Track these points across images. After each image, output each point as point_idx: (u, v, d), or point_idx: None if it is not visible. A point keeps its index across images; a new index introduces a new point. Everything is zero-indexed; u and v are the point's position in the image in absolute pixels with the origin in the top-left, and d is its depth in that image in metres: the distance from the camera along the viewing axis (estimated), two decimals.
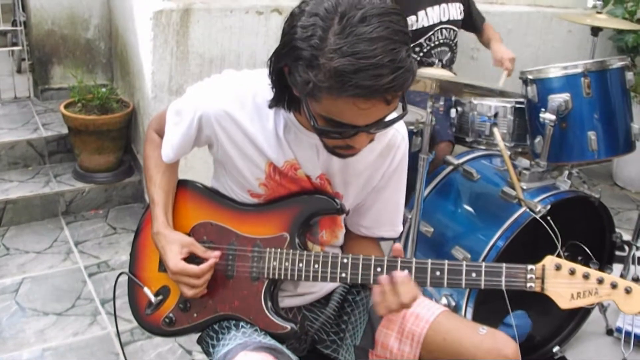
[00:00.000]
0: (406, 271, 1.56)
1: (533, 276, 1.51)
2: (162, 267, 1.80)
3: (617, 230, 2.94)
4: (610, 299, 1.47)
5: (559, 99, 2.74)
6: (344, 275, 1.62)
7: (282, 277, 1.69)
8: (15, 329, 2.98)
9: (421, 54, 3.59)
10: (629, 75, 2.85)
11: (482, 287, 1.54)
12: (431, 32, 3.61)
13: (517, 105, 3.01)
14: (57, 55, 4.76)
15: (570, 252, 2.74)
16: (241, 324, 1.73)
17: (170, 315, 1.80)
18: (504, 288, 1.52)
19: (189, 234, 1.81)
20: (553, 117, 2.71)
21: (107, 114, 4.00)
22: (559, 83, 2.79)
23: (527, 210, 2.63)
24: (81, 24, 4.74)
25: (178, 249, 1.73)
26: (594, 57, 3.56)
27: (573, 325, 3.01)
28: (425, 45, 3.60)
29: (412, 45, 1.32)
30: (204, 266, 1.70)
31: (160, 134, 1.85)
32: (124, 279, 1.91)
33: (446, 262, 1.55)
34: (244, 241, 1.74)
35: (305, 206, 1.72)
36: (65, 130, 4.19)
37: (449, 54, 3.71)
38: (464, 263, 1.55)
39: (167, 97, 3.62)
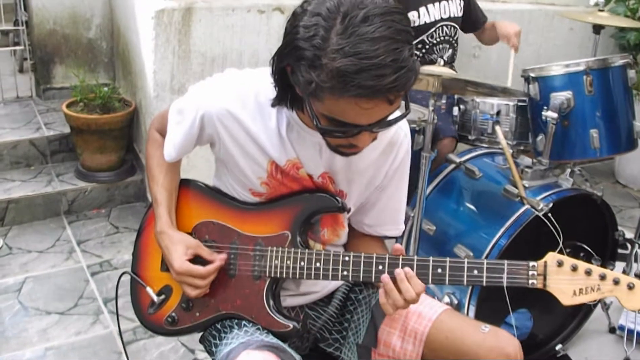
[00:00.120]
0: (407, 268, 1.56)
1: (535, 273, 1.51)
2: (165, 266, 1.80)
3: (619, 228, 2.94)
4: (612, 295, 1.47)
5: (561, 96, 2.74)
6: (345, 273, 1.62)
7: (284, 275, 1.69)
8: (18, 328, 2.99)
9: (423, 51, 3.58)
10: (631, 73, 2.85)
11: (484, 284, 1.54)
12: (432, 29, 3.61)
13: (520, 104, 3.01)
14: (59, 55, 4.76)
15: (573, 250, 2.74)
16: (243, 322, 1.73)
17: (173, 314, 1.80)
18: (505, 285, 1.52)
19: (191, 233, 1.81)
20: (555, 115, 2.71)
21: (109, 113, 4.00)
22: (561, 81, 2.79)
23: (530, 208, 2.63)
24: (83, 23, 4.74)
25: (183, 249, 1.72)
26: (596, 55, 3.56)
27: (575, 323, 3.00)
28: (427, 42, 3.60)
29: (414, 42, 1.31)
30: (209, 267, 1.70)
31: (163, 133, 1.85)
32: (126, 278, 1.92)
33: (448, 259, 1.56)
34: (246, 240, 1.74)
35: (307, 204, 1.72)
36: (67, 130, 4.19)
37: (450, 50, 3.71)
38: (466, 260, 1.55)
39: (169, 96, 3.62)
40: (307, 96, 1.42)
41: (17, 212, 3.85)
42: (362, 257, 1.61)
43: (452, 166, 3.01)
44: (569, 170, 2.93)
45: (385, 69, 1.29)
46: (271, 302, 1.71)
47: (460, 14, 3.72)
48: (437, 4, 3.60)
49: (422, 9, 3.57)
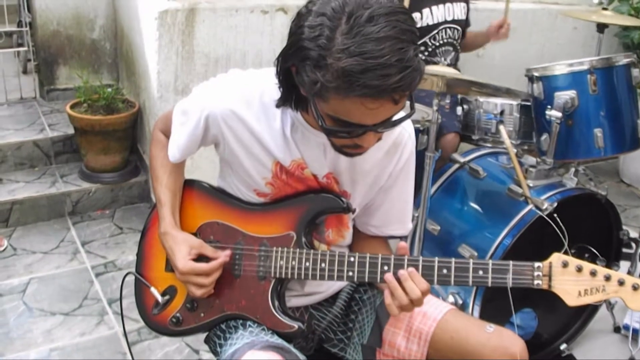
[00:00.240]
0: (411, 267, 1.56)
1: (540, 273, 1.50)
2: (169, 267, 1.80)
3: (624, 227, 2.93)
4: (617, 296, 1.47)
5: (565, 96, 2.74)
6: (351, 273, 1.62)
7: (289, 276, 1.69)
8: (23, 329, 2.99)
9: (426, 53, 3.58)
10: (635, 72, 2.84)
11: (489, 284, 1.53)
12: (435, 31, 3.61)
13: (523, 103, 3.01)
14: (63, 56, 4.77)
15: (577, 250, 2.73)
16: (248, 323, 1.73)
17: (177, 315, 1.81)
18: (510, 285, 1.52)
19: (195, 234, 1.81)
20: (559, 114, 2.70)
21: (112, 114, 4.01)
22: (565, 80, 2.79)
23: (534, 208, 2.63)
24: (86, 24, 4.75)
25: (187, 249, 1.72)
26: (600, 54, 3.55)
27: (580, 322, 3.00)
28: (430, 44, 3.59)
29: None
30: (213, 263, 1.70)
31: (167, 134, 1.85)
32: (130, 278, 1.92)
33: (453, 260, 1.55)
34: (251, 240, 1.74)
35: (312, 205, 1.72)
36: (71, 131, 4.20)
37: (453, 53, 3.71)
38: (471, 261, 1.54)
39: (173, 97, 3.62)
40: (312, 96, 1.42)
41: (21, 213, 3.86)
42: (368, 258, 1.61)
43: (456, 166, 3.01)
44: (573, 169, 2.92)
45: (390, 68, 1.29)
46: (276, 303, 1.71)
47: (464, 17, 3.73)
48: (441, 5, 3.60)
49: (426, 11, 3.57)
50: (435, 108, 2.57)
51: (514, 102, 3.03)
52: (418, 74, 1.35)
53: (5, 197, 3.83)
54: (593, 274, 1.47)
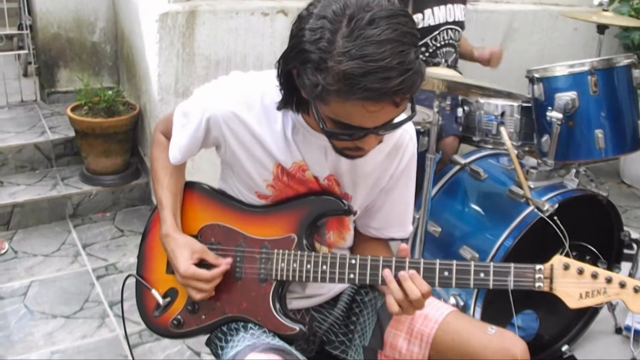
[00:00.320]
0: (413, 270, 1.55)
1: (541, 276, 1.50)
2: (170, 269, 1.80)
3: (625, 228, 2.93)
4: (618, 298, 1.46)
5: (565, 97, 2.74)
6: (352, 276, 1.62)
7: (290, 278, 1.69)
8: (24, 332, 2.99)
9: (427, 54, 3.58)
10: (636, 73, 2.84)
11: (491, 287, 1.53)
12: (437, 32, 3.61)
13: (524, 104, 3.01)
14: (63, 59, 4.78)
15: (579, 251, 2.73)
16: (250, 325, 1.73)
17: (179, 317, 1.80)
18: (512, 288, 1.52)
19: (196, 236, 1.80)
20: (560, 115, 2.70)
21: (113, 116, 4.01)
22: (565, 81, 2.79)
23: (535, 209, 2.63)
24: (87, 27, 4.75)
25: (189, 253, 1.72)
26: (600, 55, 3.55)
27: (582, 324, 3.00)
28: (431, 45, 3.59)
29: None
30: (215, 271, 1.70)
31: (167, 136, 1.85)
32: (131, 281, 1.92)
33: (454, 262, 1.55)
34: (252, 243, 1.74)
35: (313, 207, 1.72)
36: (72, 133, 4.20)
37: (454, 54, 3.71)
38: (472, 263, 1.54)
39: (174, 99, 3.62)
40: (313, 99, 1.42)
41: (22, 216, 3.86)
42: (369, 260, 1.61)
43: (457, 167, 3.01)
44: (574, 170, 2.92)
45: (391, 71, 1.29)
46: (277, 305, 1.71)
47: (464, 19, 3.73)
48: (442, 7, 3.60)
49: (428, 11, 3.57)
50: (435, 110, 2.57)
51: (515, 104, 3.03)
52: (419, 76, 1.35)
53: (6, 200, 3.83)
54: (594, 276, 1.47)
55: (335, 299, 1.89)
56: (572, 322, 3.00)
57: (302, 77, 1.40)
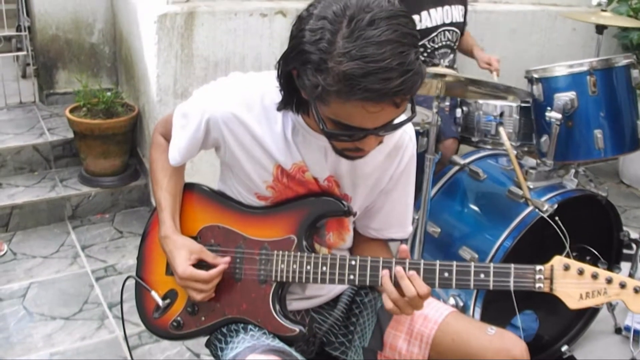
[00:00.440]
0: (413, 271, 1.55)
1: (542, 277, 1.50)
2: (170, 270, 1.80)
3: (624, 228, 2.93)
4: (619, 299, 1.46)
5: (564, 97, 2.74)
6: (352, 277, 1.62)
7: (290, 279, 1.69)
8: (23, 333, 2.99)
9: (424, 55, 3.58)
10: (635, 73, 2.85)
11: (491, 288, 1.53)
12: (434, 34, 3.61)
13: (523, 105, 3.01)
14: (62, 60, 4.77)
15: (579, 252, 2.73)
16: (249, 326, 1.73)
17: (178, 318, 1.80)
18: (512, 289, 1.52)
19: (196, 237, 1.80)
20: (559, 115, 2.70)
21: (112, 118, 4.01)
22: (564, 82, 2.79)
23: (534, 209, 2.63)
24: (85, 28, 4.75)
25: (187, 254, 1.72)
26: (599, 55, 3.55)
27: (581, 324, 3.00)
28: (428, 46, 3.60)
29: None
30: (213, 272, 1.70)
31: (167, 138, 1.85)
32: (131, 282, 1.91)
33: (454, 263, 1.55)
34: (252, 244, 1.74)
35: (312, 208, 1.72)
36: (70, 135, 4.20)
37: (451, 55, 3.71)
38: (472, 264, 1.54)
39: (172, 100, 3.62)
40: (313, 100, 1.42)
41: (21, 217, 3.85)
42: (369, 261, 1.61)
43: (456, 168, 3.01)
44: (573, 170, 2.92)
45: (391, 72, 1.29)
46: (277, 306, 1.71)
47: (462, 20, 3.74)
48: (439, 8, 3.60)
49: (424, 13, 3.57)
50: (434, 110, 2.57)
51: (514, 104, 3.03)
52: (419, 77, 1.35)
53: (5, 202, 3.83)
54: (594, 276, 1.47)
55: (335, 300, 1.89)
56: (572, 323, 3.00)
57: (302, 78, 1.40)
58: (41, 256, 3.61)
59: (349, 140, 1.46)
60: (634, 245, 3.07)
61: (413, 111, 1.48)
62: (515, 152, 2.88)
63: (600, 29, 3.61)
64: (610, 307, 3.10)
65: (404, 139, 1.74)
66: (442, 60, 3.65)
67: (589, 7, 4.46)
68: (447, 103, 3.14)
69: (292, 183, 1.70)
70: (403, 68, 1.30)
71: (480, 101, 3.11)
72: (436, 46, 3.64)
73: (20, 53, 5.05)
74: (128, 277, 1.92)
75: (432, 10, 3.60)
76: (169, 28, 3.51)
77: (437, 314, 1.76)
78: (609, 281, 1.46)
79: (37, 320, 3.09)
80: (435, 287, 1.57)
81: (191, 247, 1.75)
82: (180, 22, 3.52)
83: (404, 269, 1.56)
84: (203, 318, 1.78)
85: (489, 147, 3.15)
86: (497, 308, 2.66)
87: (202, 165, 3.24)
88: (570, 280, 1.48)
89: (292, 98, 1.54)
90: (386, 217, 1.84)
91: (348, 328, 1.87)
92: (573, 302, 1.48)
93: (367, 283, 1.62)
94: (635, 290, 1.45)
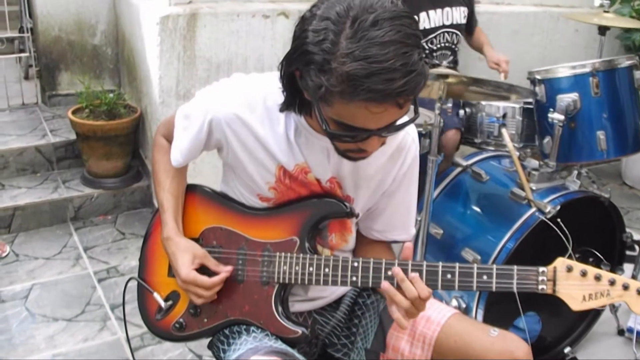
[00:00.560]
0: (415, 274, 1.55)
1: (544, 278, 1.50)
2: (172, 272, 1.80)
3: (627, 230, 2.93)
4: (621, 300, 1.46)
5: (567, 98, 2.74)
6: (354, 278, 1.62)
7: (293, 281, 1.69)
8: (25, 335, 2.99)
9: (422, 56, 3.58)
10: (637, 74, 2.85)
11: (494, 289, 1.53)
12: (433, 35, 3.62)
13: (526, 106, 3.01)
14: (65, 62, 4.78)
15: (581, 253, 2.73)
16: (252, 328, 1.72)
17: (181, 320, 1.80)
18: (515, 290, 1.52)
19: (198, 239, 1.80)
20: (562, 117, 2.70)
21: (114, 119, 4.01)
22: (567, 83, 2.79)
23: (537, 211, 2.62)
24: (88, 29, 4.75)
25: (190, 258, 1.72)
26: (602, 56, 3.55)
27: (584, 325, 2.99)
28: (427, 48, 3.60)
29: None
30: (215, 279, 1.70)
31: (169, 139, 1.85)
32: (133, 284, 1.91)
33: (457, 265, 1.55)
34: (254, 245, 1.74)
35: (315, 210, 1.71)
36: (73, 136, 4.20)
37: (451, 57, 3.72)
38: (475, 266, 1.54)
39: (175, 101, 3.62)
40: (316, 101, 1.41)
41: (23, 219, 3.86)
42: (371, 263, 1.60)
43: (459, 169, 3.01)
44: (575, 172, 2.92)
45: (395, 73, 1.29)
46: (280, 308, 1.70)
47: (464, 21, 3.74)
48: (439, 10, 3.61)
49: (423, 15, 3.58)
50: (437, 112, 2.57)
51: (516, 106, 3.03)
52: (422, 78, 1.35)
53: (7, 203, 3.83)
54: (597, 278, 1.47)
55: (338, 301, 1.89)
56: (575, 324, 2.99)
57: (305, 79, 1.40)
58: (43, 257, 3.61)
59: (352, 141, 1.46)
60: (636, 247, 3.06)
61: (416, 112, 1.48)
62: (517, 153, 2.88)
63: (602, 30, 3.61)
64: (613, 308, 3.10)
65: (406, 141, 1.74)
66: (442, 62, 3.65)
67: (592, 8, 4.46)
68: (450, 104, 3.14)
69: (295, 184, 1.70)
70: (406, 69, 1.30)
71: (483, 103, 3.11)
72: (435, 48, 3.64)
73: (22, 54, 5.06)
74: (130, 279, 1.93)
75: (431, 12, 3.60)
76: (171, 29, 3.51)
77: (439, 315, 1.76)
78: (612, 283, 1.46)
79: (40, 321, 3.08)
80: (438, 288, 1.56)
81: (195, 251, 1.75)
82: (182, 24, 3.52)
83: (405, 271, 1.55)
84: (205, 320, 1.78)
85: (491, 148, 3.15)
86: (499, 310, 2.65)
87: (204, 166, 3.24)
88: (573, 282, 1.48)
89: (295, 99, 1.54)
90: (389, 219, 1.84)
91: (350, 330, 1.87)
92: (576, 304, 1.48)
93: (370, 285, 1.61)
94: (638, 292, 1.44)
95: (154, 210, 1.94)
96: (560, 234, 2.56)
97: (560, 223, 2.56)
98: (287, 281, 1.69)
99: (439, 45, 3.65)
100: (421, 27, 3.55)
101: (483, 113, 3.12)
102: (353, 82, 1.30)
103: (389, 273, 1.58)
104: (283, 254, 1.70)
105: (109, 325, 3.08)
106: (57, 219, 3.96)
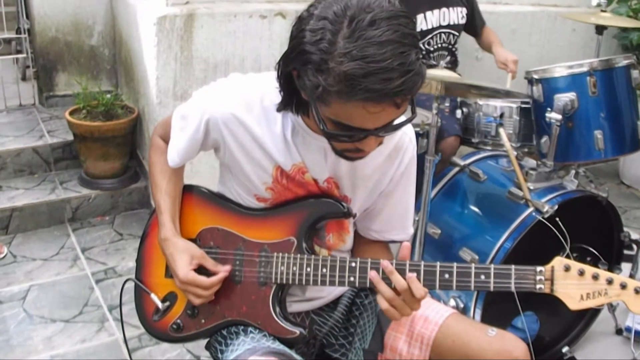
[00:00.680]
0: (412, 274, 1.54)
1: (542, 277, 1.50)
2: (169, 273, 1.80)
3: (625, 229, 2.93)
4: (619, 300, 1.46)
5: (565, 98, 2.74)
6: (352, 279, 1.62)
7: (290, 281, 1.68)
8: (23, 336, 2.98)
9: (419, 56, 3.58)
10: (635, 74, 2.84)
11: (492, 289, 1.53)
12: (430, 36, 3.62)
13: (523, 106, 3.01)
14: (62, 62, 4.77)
15: (579, 252, 2.73)
16: (250, 329, 1.72)
17: (178, 321, 1.80)
18: (513, 290, 1.52)
19: (195, 240, 1.80)
20: (559, 116, 2.70)
21: (112, 120, 4.01)
22: (564, 82, 2.79)
23: (535, 210, 2.62)
24: (85, 30, 4.75)
25: (188, 259, 1.72)
26: (599, 55, 3.55)
27: (582, 325, 2.99)
28: (424, 49, 3.60)
29: None
30: (214, 279, 1.70)
31: (166, 140, 1.85)
32: (130, 285, 1.91)
33: (455, 264, 1.54)
34: (251, 246, 1.74)
35: (312, 210, 1.71)
36: (70, 137, 4.19)
37: (448, 57, 3.72)
38: (473, 265, 1.54)
39: (172, 102, 3.62)
40: (313, 100, 1.41)
41: (21, 220, 3.85)
42: (369, 263, 1.60)
43: (457, 169, 3.01)
44: (573, 171, 2.92)
45: (392, 72, 1.29)
46: (277, 309, 1.70)
47: (463, 22, 3.74)
48: (436, 11, 3.61)
49: (420, 16, 3.58)
50: (434, 111, 2.57)
51: (514, 105, 3.03)
52: (420, 77, 1.34)
53: (4, 204, 3.83)
54: (595, 277, 1.47)
55: (335, 301, 1.89)
56: (573, 324, 2.99)
57: (302, 79, 1.40)
58: (41, 259, 3.60)
59: (349, 141, 1.46)
60: (634, 246, 3.06)
61: (413, 112, 1.48)
62: (515, 153, 2.88)
63: (600, 29, 3.61)
64: (611, 308, 3.10)
65: (404, 141, 1.74)
66: (440, 62, 3.65)
67: (589, 7, 4.46)
68: (447, 104, 3.14)
69: (292, 184, 1.70)
70: (404, 68, 1.30)
71: (481, 102, 3.11)
72: (432, 49, 3.64)
73: (19, 55, 5.05)
74: (127, 280, 1.92)
75: (428, 13, 3.60)
76: (168, 30, 3.50)
77: (437, 315, 1.76)
78: (610, 282, 1.46)
79: (37, 322, 3.08)
80: (436, 288, 1.56)
81: (193, 251, 1.74)
82: (179, 24, 3.52)
83: (402, 271, 1.55)
84: (203, 320, 1.78)
85: (489, 148, 3.15)
86: (497, 309, 2.65)
87: (201, 167, 3.24)
88: (571, 281, 1.48)
89: (292, 99, 1.54)
90: (387, 219, 1.84)
91: (348, 330, 1.86)
92: (574, 303, 1.48)
93: (368, 285, 1.61)
94: (636, 291, 1.44)
95: (151, 211, 1.94)
96: (557, 233, 2.56)
97: (558, 222, 2.56)
98: (284, 281, 1.69)
99: (436, 46, 3.65)
100: (418, 29, 3.55)
101: (480, 113, 3.12)
102: (350, 81, 1.30)
103: (381, 269, 1.57)
104: (280, 254, 1.69)
105: (107, 326, 3.08)
106: (54, 220, 3.95)
